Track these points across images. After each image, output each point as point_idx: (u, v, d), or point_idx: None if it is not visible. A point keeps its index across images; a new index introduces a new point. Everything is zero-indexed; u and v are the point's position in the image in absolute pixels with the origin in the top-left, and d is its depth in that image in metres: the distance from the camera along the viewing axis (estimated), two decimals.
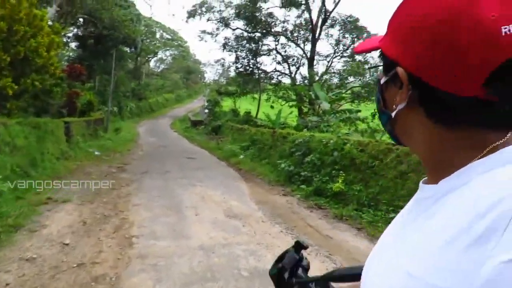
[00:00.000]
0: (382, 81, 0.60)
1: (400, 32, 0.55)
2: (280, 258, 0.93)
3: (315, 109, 14.18)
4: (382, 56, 0.60)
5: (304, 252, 0.94)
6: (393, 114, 0.58)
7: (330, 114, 12.41)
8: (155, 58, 49.70)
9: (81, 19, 22.62)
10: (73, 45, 27.15)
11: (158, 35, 42.94)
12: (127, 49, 31.30)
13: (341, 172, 7.53)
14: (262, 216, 6.47)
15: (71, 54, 27.16)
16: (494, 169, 0.48)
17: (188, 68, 56.92)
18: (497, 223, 0.41)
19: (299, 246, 0.92)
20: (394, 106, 0.58)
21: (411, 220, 0.57)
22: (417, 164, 6.00)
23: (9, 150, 7.09)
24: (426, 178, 0.61)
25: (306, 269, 0.93)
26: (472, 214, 0.44)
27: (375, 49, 0.62)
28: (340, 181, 7.33)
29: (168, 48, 48.09)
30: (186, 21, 23.57)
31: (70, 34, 26.36)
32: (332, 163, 8.05)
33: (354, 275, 0.77)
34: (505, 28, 0.46)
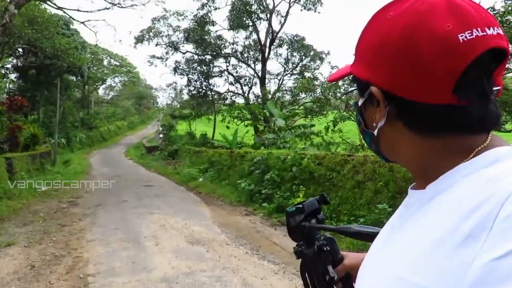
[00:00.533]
0: (359, 103, 0.63)
1: (367, 55, 0.58)
2: (302, 202, 0.96)
3: (270, 126, 14.35)
4: (355, 80, 0.63)
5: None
6: (375, 132, 0.60)
7: (286, 130, 12.59)
8: (104, 86, 48.28)
9: (20, 49, 21.49)
10: (12, 76, 25.67)
11: (105, 62, 41.79)
12: (73, 78, 30.12)
13: (301, 186, 7.59)
14: (226, 239, 6.32)
15: (11, 86, 25.59)
16: (477, 172, 0.50)
17: (140, 93, 55.72)
18: (483, 223, 0.42)
19: (322, 199, 0.97)
20: (374, 124, 0.60)
21: (400, 225, 0.58)
22: (372, 172, 6.20)
23: None
24: (414, 184, 0.62)
25: (320, 222, 0.95)
26: (457, 216, 0.46)
27: (347, 75, 0.65)
28: (301, 195, 7.38)
29: (117, 75, 46.88)
30: (134, 47, 23.14)
31: (9, 65, 24.95)
32: (291, 179, 8.11)
33: (369, 234, 0.80)
34: (462, 35, 0.49)
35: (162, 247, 5.81)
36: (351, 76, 0.64)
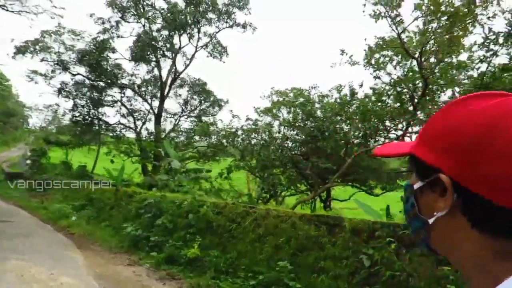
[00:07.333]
0: (415, 186, 0.61)
1: (439, 141, 0.57)
2: None
3: (164, 167, 13.57)
4: (415, 162, 0.61)
5: None
6: (430, 220, 0.58)
7: (181, 173, 12.02)
8: None
9: None
10: None
11: None
12: None
13: (197, 236, 7.08)
14: None
15: None
16: None
17: (8, 110, 48.16)
18: None
19: None
20: (434, 212, 0.57)
21: None
22: (274, 227, 6.13)
23: None
24: None
25: None
26: None
27: (404, 154, 0.64)
28: (196, 246, 6.85)
29: None
30: (13, 57, 20.05)
31: None
32: (186, 226, 7.54)
33: None
34: None
35: None
36: (408, 156, 0.63)
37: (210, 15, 20.60)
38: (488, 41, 8.07)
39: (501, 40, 7.88)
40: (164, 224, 8.02)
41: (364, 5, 8.79)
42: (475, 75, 9.75)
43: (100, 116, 22.99)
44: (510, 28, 7.42)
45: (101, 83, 21.74)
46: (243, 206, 7.01)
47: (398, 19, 8.56)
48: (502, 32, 7.73)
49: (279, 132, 16.43)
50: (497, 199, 0.50)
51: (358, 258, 4.74)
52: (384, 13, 8.62)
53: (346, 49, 10.51)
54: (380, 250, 4.58)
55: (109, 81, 21.47)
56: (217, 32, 21.33)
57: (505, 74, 7.87)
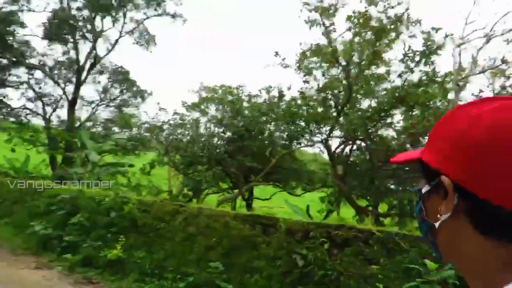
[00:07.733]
0: (423, 190, 0.61)
1: (442, 145, 0.56)
2: None
3: (78, 158, 12.38)
4: (423, 166, 0.61)
5: None
6: (436, 224, 0.58)
7: (100, 166, 11.08)
8: None
9: None
10: None
11: None
12: None
13: (120, 236, 6.55)
14: None
15: None
16: None
17: None
18: None
19: None
20: (438, 215, 0.57)
21: None
22: (205, 227, 5.95)
23: None
24: None
25: None
26: None
27: (415, 160, 0.63)
28: (118, 246, 6.34)
29: None
30: None
31: None
32: (107, 225, 6.94)
33: None
34: None
35: None
36: (419, 161, 0.62)
37: (138, 0, 19.43)
38: (407, 58, 8.90)
39: (417, 58, 8.74)
40: (81, 222, 7.28)
41: (301, 10, 9.07)
42: (390, 87, 10.71)
43: (1, 98, 20.23)
44: (426, 48, 8.27)
45: (4, 61, 19.12)
46: (173, 204, 6.69)
47: (331, 28, 8.99)
48: (418, 51, 8.59)
49: (206, 129, 16.18)
50: (503, 203, 0.48)
51: (292, 258, 4.81)
52: (319, 20, 8.98)
53: (280, 51, 10.72)
54: (314, 250, 4.71)
55: (14, 59, 18.95)
56: (144, 19, 20.22)
57: (419, 90, 8.75)
